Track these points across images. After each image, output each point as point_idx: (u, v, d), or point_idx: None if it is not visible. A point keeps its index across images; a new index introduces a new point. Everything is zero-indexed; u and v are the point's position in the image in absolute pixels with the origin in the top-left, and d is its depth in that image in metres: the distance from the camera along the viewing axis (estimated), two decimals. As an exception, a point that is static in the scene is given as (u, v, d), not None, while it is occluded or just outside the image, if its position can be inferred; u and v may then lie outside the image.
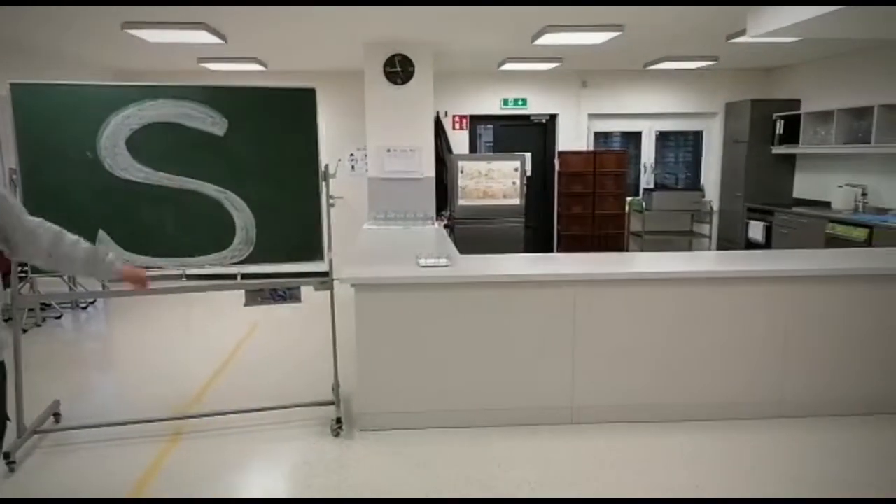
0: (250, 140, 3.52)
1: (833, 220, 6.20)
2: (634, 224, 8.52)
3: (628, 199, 8.35)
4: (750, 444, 3.42)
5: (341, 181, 7.30)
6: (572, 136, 8.35)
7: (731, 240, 8.11)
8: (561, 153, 8.27)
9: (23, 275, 4.54)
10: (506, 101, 8.20)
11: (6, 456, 3.15)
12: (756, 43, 5.80)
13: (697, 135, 8.70)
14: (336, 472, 3.17)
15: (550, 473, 3.14)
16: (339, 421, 3.59)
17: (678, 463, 3.24)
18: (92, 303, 6.80)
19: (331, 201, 3.72)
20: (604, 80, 8.19)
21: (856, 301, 3.67)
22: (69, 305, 6.62)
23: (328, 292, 3.72)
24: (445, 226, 6.48)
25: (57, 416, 3.80)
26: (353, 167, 8.13)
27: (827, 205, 6.96)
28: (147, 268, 3.49)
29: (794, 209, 6.95)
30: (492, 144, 8.50)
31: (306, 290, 3.77)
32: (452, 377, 3.62)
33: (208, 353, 5.05)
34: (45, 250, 2.24)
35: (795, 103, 7.55)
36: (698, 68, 7.67)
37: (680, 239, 8.58)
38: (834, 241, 6.08)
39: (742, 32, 5.00)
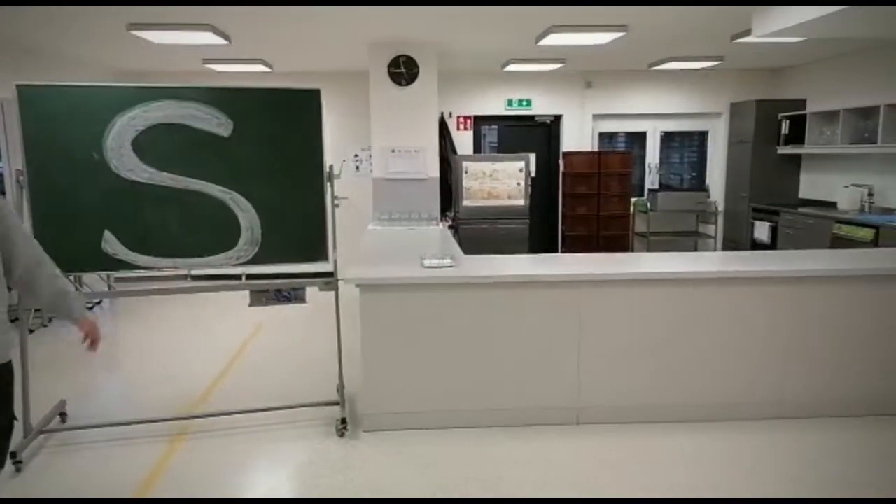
0: (255, 141, 3.53)
1: (839, 221, 6.18)
2: (639, 225, 8.51)
3: (633, 199, 8.34)
4: (753, 445, 3.41)
5: (346, 182, 7.32)
6: (577, 137, 8.35)
7: (737, 240, 8.09)
8: (565, 154, 8.26)
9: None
10: (510, 102, 8.20)
11: (13, 455, 3.16)
12: (761, 43, 5.79)
13: (702, 135, 8.68)
14: (341, 472, 3.17)
15: (555, 474, 3.14)
16: (343, 421, 3.59)
17: (682, 463, 3.23)
18: (98, 303, 6.83)
19: (335, 202, 3.73)
20: (608, 81, 8.18)
21: (857, 302, 3.66)
22: (75, 306, 6.63)
23: (333, 293, 3.72)
24: (450, 226, 6.48)
25: (63, 415, 3.82)
26: (357, 168, 8.14)
27: (833, 205, 6.93)
28: (152, 268, 3.53)
29: (800, 210, 6.93)
30: (496, 145, 8.50)
31: (311, 291, 3.79)
32: (457, 378, 3.62)
33: (213, 354, 5.06)
34: (24, 267, 2.24)
35: (801, 103, 7.53)
36: (703, 68, 7.66)
37: (685, 239, 8.56)
38: (840, 242, 6.06)
39: (747, 32, 4.99)
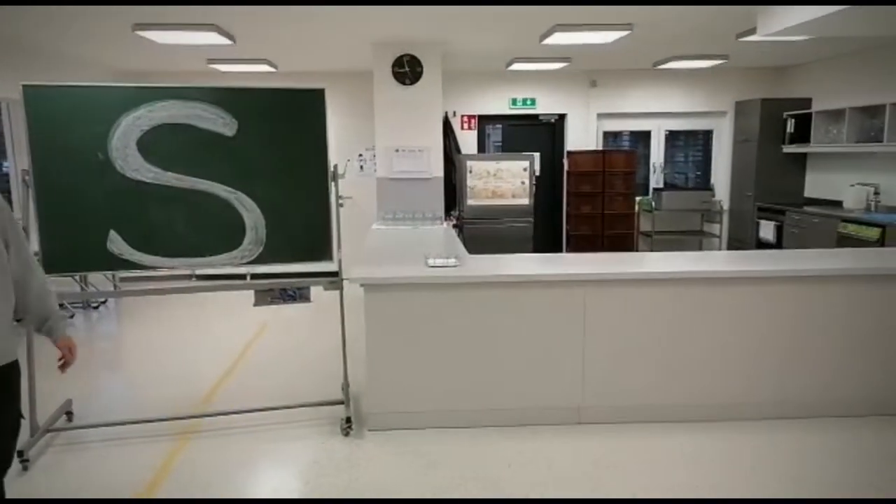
0: (260, 140, 3.54)
1: (845, 220, 6.15)
2: (644, 224, 8.49)
3: (637, 198, 8.33)
4: (755, 445, 3.40)
5: (350, 181, 7.31)
6: (581, 136, 8.33)
7: (742, 239, 8.07)
8: (570, 153, 8.25)
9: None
10: (514, 101, 8.19)
11: (20, 454, 3.18)
12: (766, 41, 5.77)
13: (707, 134, 8.66)
14: (346, 472, 3.18)
15: (558, 474, 3.14)
16: (348, 420, 3.60)
17: (684, 463, 3.22)
18: (103, 302, 6.86)
19: (340, 201, 3.73)
20: (613, 80, 8.17)
21: (861, 301, 3.64)
22: (81, 305, 6.67)
23: (337, 292, 3.73)
24: (454, 226, 6.48)
25: (69, 414, 3.84)
26: (361, 167, 8.15)
27: (839, 204, 6.90)
28: (157, 268, 3.54)
29: (806, 209, 6.91)
30: (500, 144, 8.49)
31: (315, 290, 3.79)
32: (462, 377, 3.62)
33: (218, 353, 5.08)
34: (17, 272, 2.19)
35: (806, 102, 7.50)
36: (708, 67, 7.63)
37: (690, 239, 8.54)
38: (846, 241, 6.04)
39: (752, 31, 4.97)
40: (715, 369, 3.67)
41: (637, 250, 8.42)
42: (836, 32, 4.35)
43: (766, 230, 7.42)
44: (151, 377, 4.63)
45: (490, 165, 6.73)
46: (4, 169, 6.18)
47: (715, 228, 8.52)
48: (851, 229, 6.03)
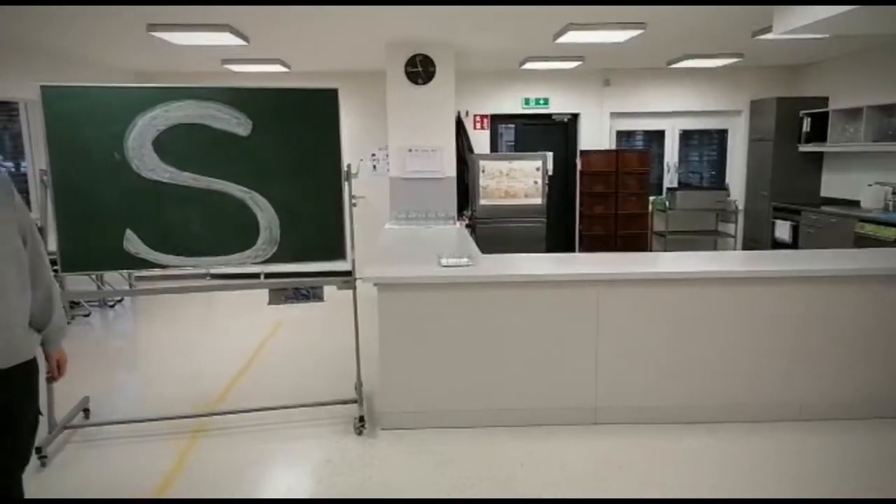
0: (274, 140, 3.56)
1: (862, 220, 6.08)
2: (658, 224, 8.44)
3: (651, 198, 8.27)
4: (775, 448, 3.37)
5: (363, 181, 7.33)
6: (594, 136, 8.30)
7: (757, 239, 8.00)
8: (583, 153, 8.22)
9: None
10: (527, 101, 8.17)
11: (38, 450, 3.22)
12: (782, 40, 5.71)
13: (722, 133, 8.59)
14: (359, 471, 3.18)
15: (572, 474, 3.13)
16: (361, 419, 3.61)
17: (701, 466, 3.20)
18: (119, 301, 6.92)
19: (353, 201, 3.74)
20: (626, 79, 8.13)
21: (890, 301, 3.59)
22: (97, 304, 6.74)
23: (351, 291, 3.74)
24: (467, 225, 6.48)
25: (86, 412, 3.88)
26: (374, 167, 8.17)
27: (856, 204, 6.82)
28: (173, 267, 3.56)
29: (822, 208, 6.83)
30: (513, 144, 8.48)
31: (329, 290, 3.80)
32: (475, 377, 3.62)
33: (232, 352, 5.11)
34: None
35: (822, 101, 7.42)
36: (722, 66, 7.57)
37: (704, 239, 8.48)
38: (864, 241, 5.96)
39: (768, 29, 4.93)
40: (734, 370, 3.64)
41: (651, 250, 8.37)
42: (854, 30, 4.30)
43: (782, 230, 7.35)
44: (166, 375, 4.67)
45: (503, 165, 6.72)
46: (22, 169, 6.25)
47: (730, 228, 8.45)
48: (869, 229, 5.95)
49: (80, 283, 6.06)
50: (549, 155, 7.58)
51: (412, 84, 6.10)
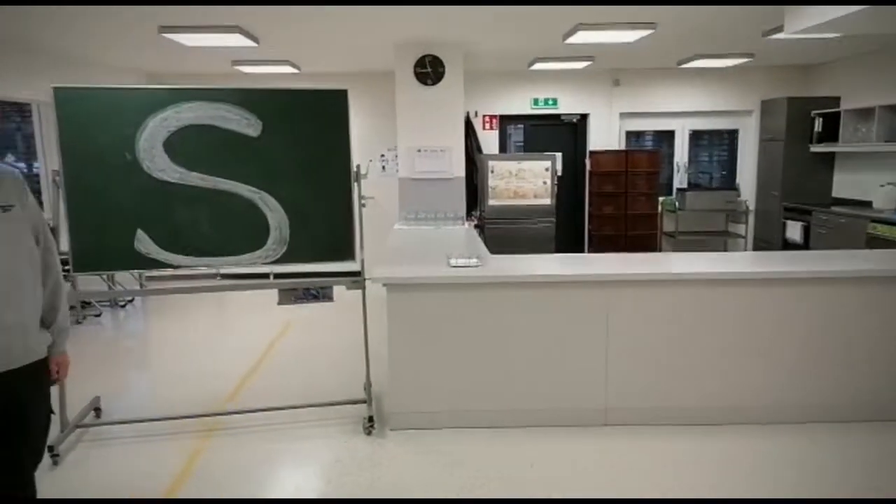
0: (284, 141, 3.57)
1: (874, 220, 6.03)
2: (667, 224, 8.41)
3: (661, 198, 8.24)
4: (788, 450, 3.35)
5: (372, 182, 7.34)
6: (604, 136, 8.27)
7: (768, 240, 7.95)
8: (592, 153, 8.20)
9: (63, 274, 4.67)
10: (536, 101, 8.16)
11: (50, 449, 3.25)
12: (793, 39, 5.68)
13: (732, 133, 8.54)
14: (368, 471, 3.19)
15: (582, 475, 3.12)
16: (370, 419, 3.61)
17: (712, 468, 3.18)
18: (130, 301, 6.97)
19: (362, 202, 3.75)
20: (636, 79, 8.10)
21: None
22: (108, 304, 6.79)
23: (360, 292, 3.75)
24: (476, 226, 6.47)
25: (97, 411, 3.91)
26: (383, 168, 8.18)
27: (868, 204, 6.76)
28: (183, 267, 3.58)
29: (834, 209, 6.78)
30: (522, 144, 8.47)
31: (338, 290, 3.81)
32: (484, 377, 3.61)
33: (242, 352, 5.13)
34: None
35: (834, 100, 7.36)
36: (733, 66, 7.53)
37: (715, 239, 8.44)
38: (876, 242, 5.91)
39: (779, 29, 4.89)
40: (746, 372, 3.62)
41: (660, 251, 8.34)
42: (866, 30, 4.26)
43: (793, 231, 7.30)
44: (177, 375, 4.70)
45: (512, 165, 6.71)
46: (34, 170, 6.30)
47: (740, 229, 8.40)
48: (881, 230, 5.90)
49: (91, 283, 6.11)
50: (559, 155, 7.55)
51: (421, 84, 6.10)
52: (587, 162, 8.25)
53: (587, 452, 3.35)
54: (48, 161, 6.16)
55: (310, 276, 3.91)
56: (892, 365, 3.62)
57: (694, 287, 3.54)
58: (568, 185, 8.28)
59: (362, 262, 3.76)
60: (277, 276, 3.79)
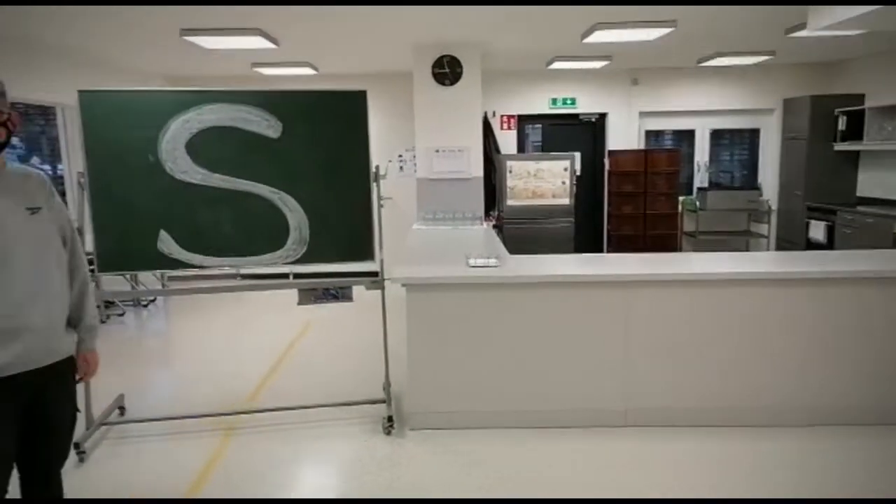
0: (303, 142, 3.60)
1: (901, 220, 5.93)
2: (688, 224, 8.33)
3: (681, 198, 8.16)
4: (810, 452, 3.30)
5: (390, 182, 7.38)
6: (623, 135, 8.22)
7: (791, 240, 7.84)
8: (611, 152, 8.15)
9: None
10: (554, 101, 8.13)
11: (76, 446, 3.30)
12: (816, 36, 5.59)
13: (754, 132, 8.44)
14: (388, 470, 3.20)
15: (602, 476, 3.11)
16: (390, 419, 3.62)
17: (732, 470, 3.15)
18: (153, 300, 7.06)
19: (381, 202, 3.76)
20: (655, 78, 8.04)
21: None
22: (131, 303, 6.89)
23: (379, 292, 3.76)
24: (494, 226, 6.46)
25: (122, 409, 3.97)
26: (401, 168, 8.20)
27: (894, 204, 6.64)
28: (205, 267, 3.62)
29: (859, 208, 6.67)
30: (540, 144, 8.44)
31: (357, 290, 3.83)
32: (503, 378, 3.61)
33: (263, 351, 5.17)
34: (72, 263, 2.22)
35: (858, 98, 7.24)
36: (754, 64, 7.44)
37: (736, 239, 8.34)
38: (902, 241, 5.82)
39: (802, 26, 4.83)
40: (767, 372, 3.57)
41: (681, 251, 8.26)
42: (892, 26, 4.18)
43: (817, 230, 7.20)
44: (199, 374, 4.75)
45: (530, 165, 6.69)
46: (59, 172, 6.41)
47: (763, 229, 8.30)
48: (908, 229, 5.80)
49: (115, 283, 6.20)
50: (577, 155, 7.52)
51: (439, 85, 6.11)
52: (606, 161, 8.21)
53: (606, 453, 3.33)
54: (72, 163, 6.26)
55: (329, 276, 3.93)
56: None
57: (715, 287, 3.51)
58: (587, 185, 8.24)
59: (381, 262, 3.78)
60: (297, 276, 3.81)
